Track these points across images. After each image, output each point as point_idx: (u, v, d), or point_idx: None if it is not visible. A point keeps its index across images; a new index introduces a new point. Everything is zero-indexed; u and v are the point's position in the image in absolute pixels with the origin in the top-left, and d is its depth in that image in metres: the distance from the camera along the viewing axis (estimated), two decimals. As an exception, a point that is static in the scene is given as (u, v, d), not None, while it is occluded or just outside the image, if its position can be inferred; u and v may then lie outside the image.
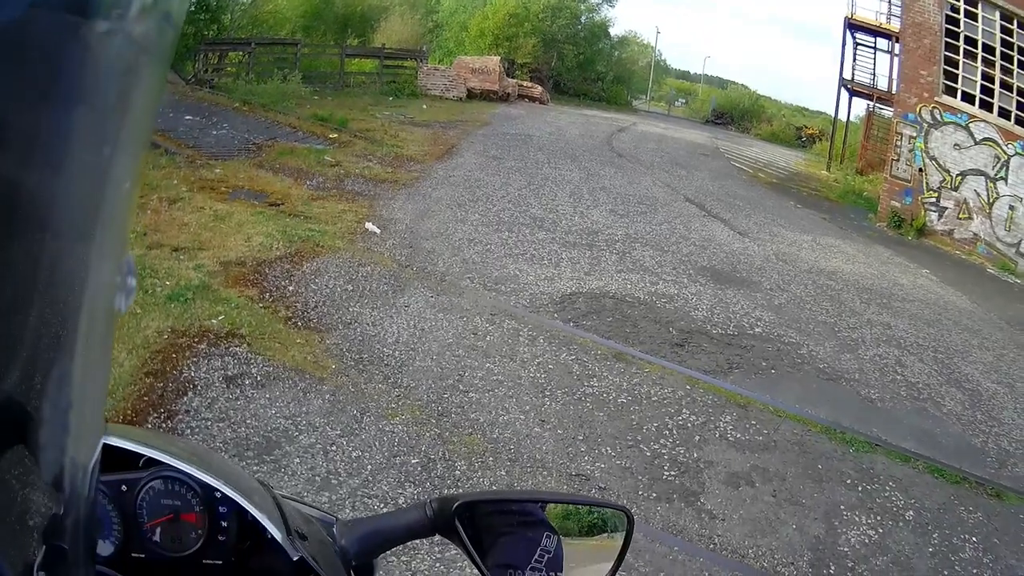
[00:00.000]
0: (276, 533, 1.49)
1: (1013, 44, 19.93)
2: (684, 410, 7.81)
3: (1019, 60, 19.75)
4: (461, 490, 5.49)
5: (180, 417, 6.39)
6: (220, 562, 1.55)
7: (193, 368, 7.10)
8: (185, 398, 6.64)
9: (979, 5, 20.37)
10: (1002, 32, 20.12)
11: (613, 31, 52.76)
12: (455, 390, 7.53)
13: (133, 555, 1.53)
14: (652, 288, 11.36)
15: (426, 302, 9.58)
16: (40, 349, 0.60)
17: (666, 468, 6.80)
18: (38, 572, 0.62)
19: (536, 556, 1.63)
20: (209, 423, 6.36)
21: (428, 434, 6.73)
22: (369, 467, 6.14)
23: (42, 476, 0.64)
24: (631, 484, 6.48)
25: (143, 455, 1.56)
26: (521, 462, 6.55)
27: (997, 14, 20.12)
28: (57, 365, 0.63)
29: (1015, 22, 19.91)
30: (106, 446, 1.44)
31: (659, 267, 12.52)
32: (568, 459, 6.69)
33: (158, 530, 1.52)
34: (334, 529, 1.74)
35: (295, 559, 1.46)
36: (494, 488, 6.01)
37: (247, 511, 1.53)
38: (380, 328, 8.60)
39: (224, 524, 1.54)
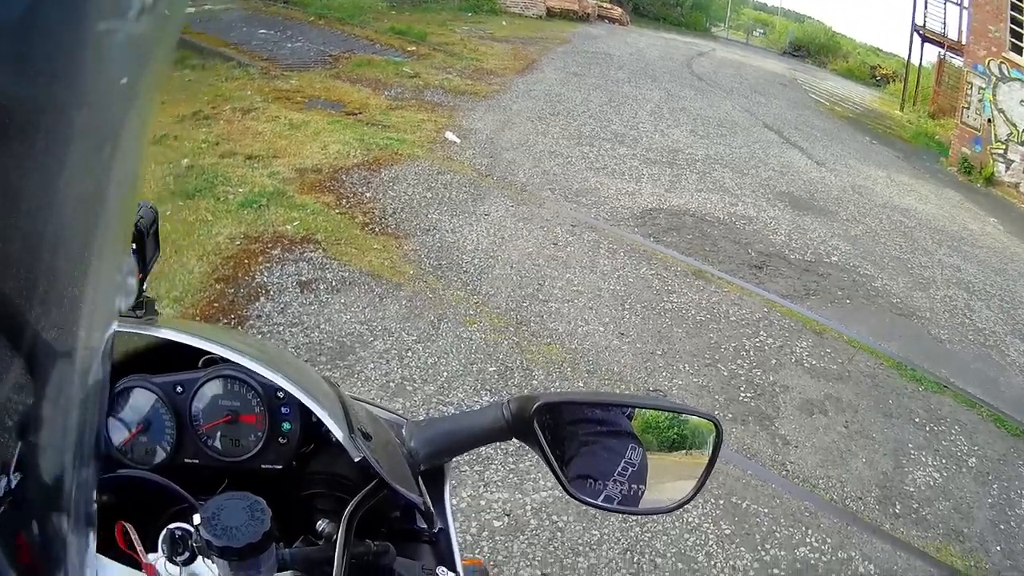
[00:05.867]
0: (338, 432, 1.40)
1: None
2: (762, 332, 7.55)
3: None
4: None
5: (251, 323, 6.28)
6: (280, 467, 1.51)
7: (266, 273, 6.97)
8: (257, 303, 6.52)
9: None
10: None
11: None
12: (534, 299, 7.33)
13: (186, 461, 1.48)
14: (731, 209, 11.02)
15: (506, 211, 9.33)
16: (40, 352, 0.60)
17: (742, 389, 6.58)
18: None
19: (619, 469, 1.53)
20: (281, 328, 6.23)
21: (506, 342, 6.54)
22: (445, 374, 5.98)
23: (33, 473, 0.63)
24: (708, 404, 6.26)
25: (202, 354, 1.49)
26: (599, 374, 6.34)
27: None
28: (58, 364, 0.62)
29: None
30: (164, 343, 1.47)
31: (739, 189, 12.12)
32: (646, 374, 6.48)
33: (215, 433, 1.48)
34: (403, 431, 1.64)
35: (357, 459, 1.37)
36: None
37: (310, 412, 1.45)
38: (459, 235, 8.39)
39: (286, 426, 1.49)
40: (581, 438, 1.55)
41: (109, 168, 0.58)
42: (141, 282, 1.50)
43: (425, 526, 1.61)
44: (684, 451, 1.59)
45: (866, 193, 14.01)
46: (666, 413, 1.61)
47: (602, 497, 1.52)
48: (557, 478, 1.50)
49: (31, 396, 0.59)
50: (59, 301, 0.59)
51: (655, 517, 4.96)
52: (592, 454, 1.55)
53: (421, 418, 1.76)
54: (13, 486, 0.60)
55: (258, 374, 1.46)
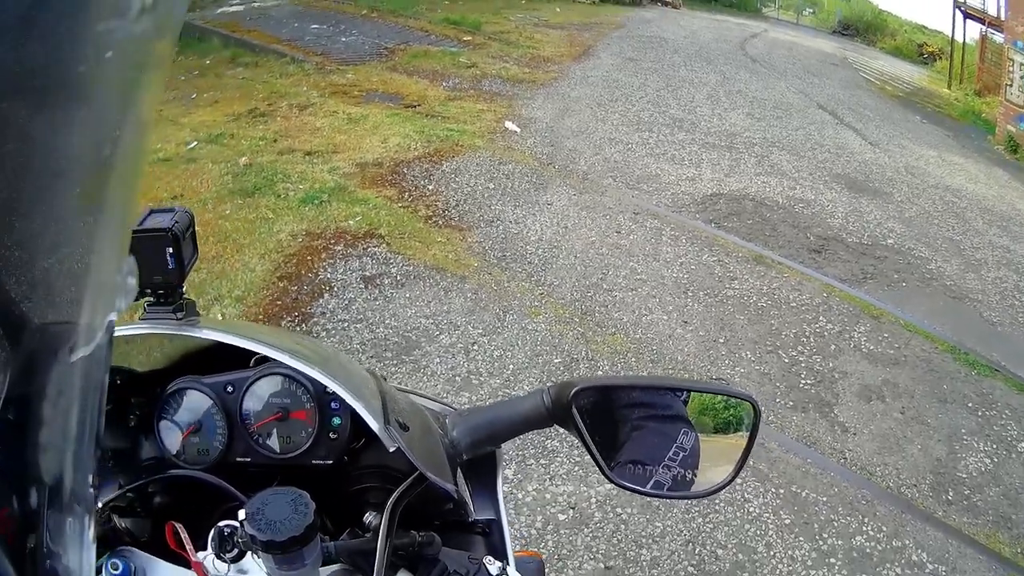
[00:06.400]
0: (373, 423, 1.35)
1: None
2: (821, 317, 7.39)
3: None
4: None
5: (315, 319, 6.26)
6: (330, 462, 1.49)
7: (329, 270, 6.94)
8: (321, 300, 6.50)
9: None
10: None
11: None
12: (599, 289, 7.22)
13: (238, 459, 1.48)
14: (790, 193, 10.79)
15: (569, 200, 9.21)
16: (40, 353, 0.59)
17: (803, 376, 6.44)
18: None
19: (671, 453, 1.46)
20: (346, 324, 6.20)
21: (571, 333, 6.46)
22: (511, 367, 5.91)
23: (33, 475, 0.61)
24: (769, 391, 6.15)
25: (246, 353, 1.46)
26: (663, 363, 6.24)
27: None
28: (58, 365, 0.60)
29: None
30: (208, 344, 1.46)
31: (796, 172, 11.88)
32: (709, 362, 6.37)
33: (266, 431, 1.47)
34: (447, 421, 1.59)
35: (391, 449, 1.33)
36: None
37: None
38: (523, 226, 8.29)
39: (336, 421, 1.48)
40: (633, 423, 1.50)
41: (109, 168, 0.56)
42: (180, 284, 1.46)
43: (476, 517, 1.60)
44: (739, 432, 1.52)
45: (919, 174, 13.70)
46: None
47: (651, 483, 1.46)
48: (597, 464, 1.45)
49: (12, 373, 0.57)
50: (59, 300, 0.58)
51: (717, 508, 4.93)
52: (642, 439, 1.49)
53: (465, 407, 1.68)
54: None
55: (305, 371, 1.43)
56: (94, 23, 0.48)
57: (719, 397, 1.53)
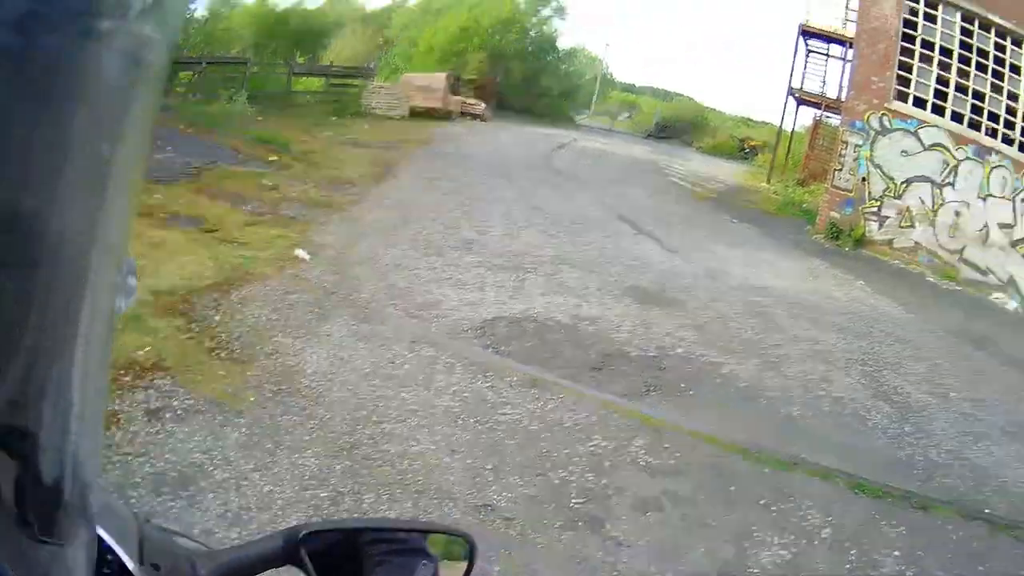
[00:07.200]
0: (129, 563, 1.39)
1: (972, 46, 20.28)
2: (596, 435, 7.73)
3: (977, 62, 20.19)
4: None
5: (103, 452, 6.26)
6: None
7: (117, 401, 6.92)
8: (108, 432, 6.48)
9: (939, 7, 20.70)
10: (962, 34, 20.47)
11: (562, 43, 52.41)
12: (368, 421, 7.41)
13: None
14: (575, 311, 11.29)
15: (348, 330, 9.46)
16: (40, 353, 0.61)
17: (573, 495, 6.73)
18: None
19: None
20: (130, 458, 6.20)
21: (339, 467, 6.62)
22: (280, 502, 6.03)
23: (33, 474, 0.66)
24: (537, 513, 6.40)
25: None
26: (428, 493, 6.45)
27: (958, 15, 20.46)
28: (58, 365, 0.64)
29: (976, 23, 20.25)
30: None
31: (584, 289, 12.44)
32: (476, 489, 6.61)
33: None
34: (197, 561, 1.63)
35: None
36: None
37: None
38: (300, 358, 8.48)
39: (110, 558, 1.41)
40: (376, 559, 1.62)
41: (108, 169, 0.59)
42: None
43: None
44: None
45: (719, 276, 14.51)
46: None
47: None
48: None
49: (28, 401, 0.62)
50: (59, 301, 0.60)
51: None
52: (383, 574, 1.61)
53: (217, 548, 1.75)
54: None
55: None
56: (94, 23, 0.51)
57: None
